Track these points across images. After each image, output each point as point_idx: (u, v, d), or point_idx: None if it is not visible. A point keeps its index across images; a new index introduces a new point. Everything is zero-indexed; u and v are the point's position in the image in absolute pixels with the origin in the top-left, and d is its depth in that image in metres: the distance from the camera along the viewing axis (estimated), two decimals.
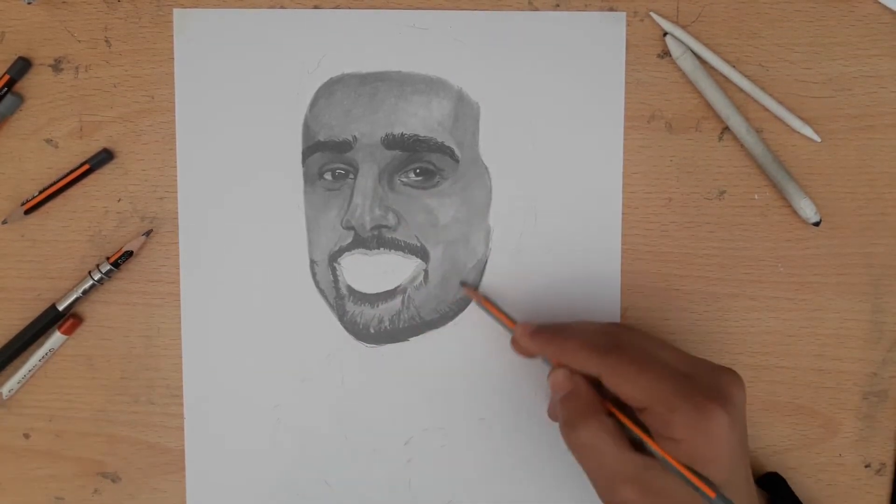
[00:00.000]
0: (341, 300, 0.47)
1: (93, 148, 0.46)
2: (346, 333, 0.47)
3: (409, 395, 0.47)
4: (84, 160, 0.46)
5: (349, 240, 0.46)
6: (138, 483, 0.48)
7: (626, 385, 0.37)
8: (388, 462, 0.47)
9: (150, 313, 0.47)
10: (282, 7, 0.46)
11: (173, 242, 0.47)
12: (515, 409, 0.47)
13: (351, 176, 0.46)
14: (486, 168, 0.46)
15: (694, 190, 0.46)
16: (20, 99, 0.46)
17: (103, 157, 0.46)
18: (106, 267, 0.46)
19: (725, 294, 0.46)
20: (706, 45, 0.45)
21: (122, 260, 0.46)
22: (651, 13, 0.45)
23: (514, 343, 0.43)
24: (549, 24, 0.46)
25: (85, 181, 0.46)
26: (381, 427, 0.47)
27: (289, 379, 0.47)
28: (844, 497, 0.47)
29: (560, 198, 0.46)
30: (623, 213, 0.46)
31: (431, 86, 0.46)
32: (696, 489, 0.36)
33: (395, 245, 0.46)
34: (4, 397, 0.47)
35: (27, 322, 0.47)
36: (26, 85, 0.46)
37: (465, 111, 0.46)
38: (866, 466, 0.47)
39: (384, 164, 0.46)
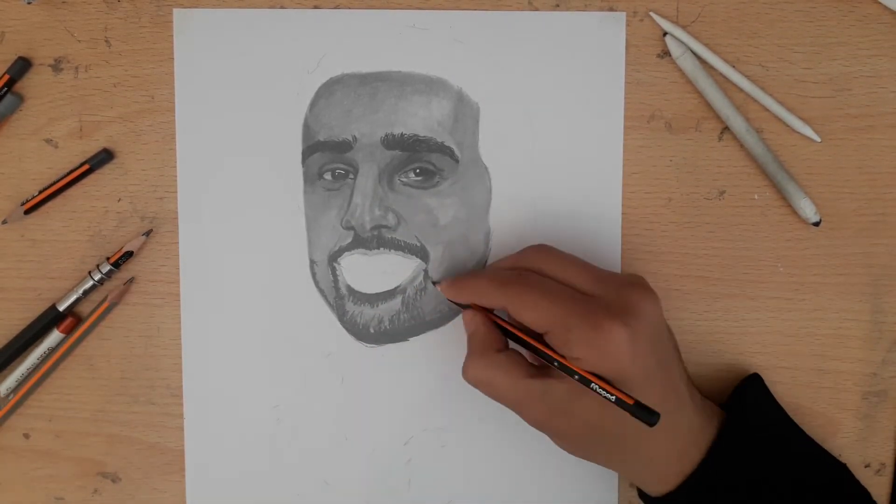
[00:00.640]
0: (341, 300, 0.47)
1: (93, 148, 0.46)
2: (346, 333, 0.47)
3: (409, 395, 0.47)
4: (84, 160, 0.46)
5: (349, 240, 0.46)
6: (138, 483, 0.48)
7: (526, 312, 0.39)
8: (388, 462, 0.47)
9: (150, 313, 0.47)
10: (282, 7, 0.46)
11: (173, 242, 0.47)
12: None
13: (351, 176, 0.46)
14: (486, 168, 0.46)
15: (694, 190, 0.46)
16: (20, 99, 0.46)
17: (103, 157, 0.46)
18: (106, 267, 0.46)
19: (725, 294, 0.46)
20: (706, 45, 0.45)
21: (122, 260, 0.46)
22: (651, 13, 0.45)
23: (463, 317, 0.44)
24: (549, 24, 0.46)
25: (85, 181, 0.46)
26: (381, 427, 0.47)
27: (289, 379, 0.47)
28: None
29: (560, 198, 0.46)
30: (623, 213, 0.46)
31: (431, 86, 0.46)
32: (617, 401, 0.37)
33: (394, 245, 0.46)
34: (3, 395, 0.47)
35: (27, 322, 0.47)
36: (26, 85, 0.46)
37: (465, 111, 0.46)
38: (866, 466, 0.47)
39: (384, 164, 0.46)
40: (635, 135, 0.46)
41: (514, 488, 0.47)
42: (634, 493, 0.47)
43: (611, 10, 0.46)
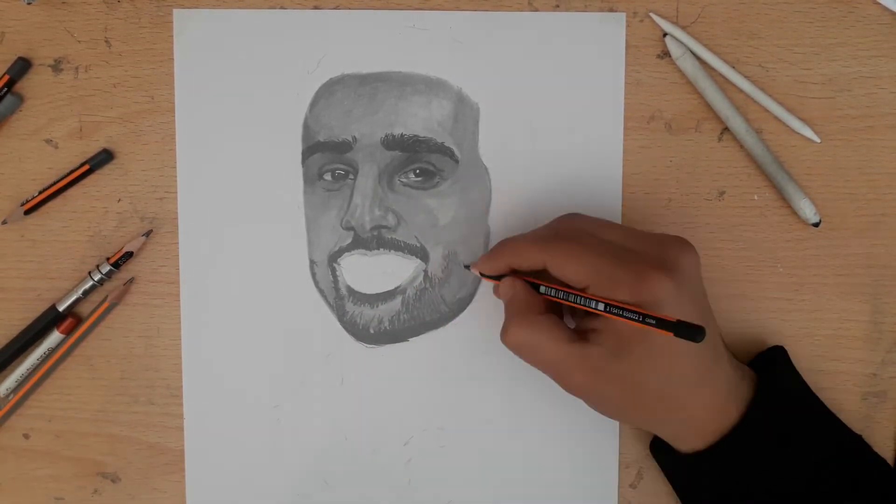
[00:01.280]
0: (341, 300, 0.47)
1: (93, 148, 0.46)
2: (345, 334, 0.47)
3: (409, 395, 0.47)
4: (84, 160, 0.46)
5: (349, 240, 0.46)
6: (138, 483, 0.48)
7: (568, 266, 0.39)
8: (388, 462, 0.47)
9: (150, 313, 0.47)
10: (282, 7, 0.46)
11: (173, 242, 0.47)
12: (515, 409, 0.47)
13: (351, 176, 0.46)
14: (486, 168, 0.46)
15: (694, 190, 0.46)
16: (20, 99, 0.46)
17: (103, 158, 0.46)
18: (106, 267, 0.46)
19: (725, 294, 0.46)
20: (706, 45, 0.45)
21: (122, 260, 0.46)
22: (651, 14, 0.45)
23: (495, 290, 0.44)
24: (548, 24, 0.46)
25: (85, 181, 0.46)
26: (381, 427, 0.47)
27: (288, 379, 0.47)
28: None
29: (560, 198, 0.46)
30: (623, 214, 0.46)
31: (431, 86, 0.46)
32: (659, 323, 0.36)
33: (394, 245, 0.46)
34: (2, 395, 0.47)
35: (27, 322, 0.47)
36: (26, 85, 0.46)
37: (464, 112, 0.46)
38: None
39: (384, 164, 0.46)
40: (635, 135, 0.46)
41: (514, 488, 0.47)
42: (634, 493, 0.47)
43: (611, 10, 0.46)
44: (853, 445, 0.43)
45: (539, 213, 0.46)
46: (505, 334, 0.40)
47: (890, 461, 0.47)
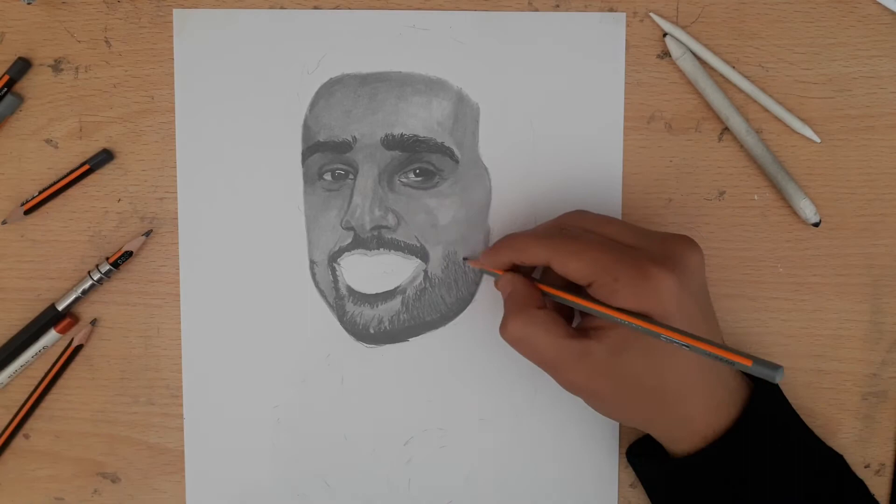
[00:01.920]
0: (341, 300, 0.47)
1: (93, 148, 0.46)
2: (345, 334, 0.47)
3: (409, 395, 0.47)
4: (84, 160, 0.46)
5: (349, 240, 0.46)
6: (138, 483, 0.48)
7: (571, 263, 0.38)
8: (388, 462, 0.47)
9: (150, 313, 0.47)
10: (282, 7, 0.46)
11: (173, 242, 0.47)
12: (515, 409, 0.47)
13: (351, 176, 0.46)
14: (486, 168, 0.46)
15: (694, 190, 0.46)
16: (20, 99, 0.46)
17: (103, 158, 0.46)
18: (105, 267, 0.46)
19: (725, 294, 0.46)
20: (706, 45, 0.45)
21: (121, 260, 0.46)
22: (651, 14, 0.45)
23: (496, 283, 0.44)
24: (549, 24, 0.46)
25: (85, 181, 0.46)
26: (381, 427, 0.47)
27: (288, 379, 0.47)
28: None
29: (560, 198, 0.46)
30: (623, 214, 0.46)
31: (431, 86, 0.46)
32: (653, 333, 0.35)
33: (394, 245, 0.46)
34: None
35: (27, 322, 0.47)
36: (26, 85, 0.46)
37: (464, 111, 0.46)
38: (866, 467, 0.47)
39: (384, 164, 0.46)
40: (635, 135, 0.46)
41: (514, 488, 0.47)
42: (634, 493, 0.47)
43: (611, 10, 0.46)
44: (835, 466, 0.43)
45: (539, 212, 0.46)
46: (503, 328, 0.40)
47: (890, 461, 0.47)
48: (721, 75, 0.45)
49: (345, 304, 0.47)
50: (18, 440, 0.48)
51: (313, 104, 0.46)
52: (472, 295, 0.47)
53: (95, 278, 0.46)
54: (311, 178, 0.46)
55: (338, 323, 0.47)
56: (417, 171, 0.46)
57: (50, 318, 0.46)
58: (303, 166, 0.46)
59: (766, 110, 0.46)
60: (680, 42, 0.45)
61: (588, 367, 0.39)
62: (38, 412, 0.47)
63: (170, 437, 0.48)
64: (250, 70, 0.46)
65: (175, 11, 0.46)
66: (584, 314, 0.40)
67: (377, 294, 0.46)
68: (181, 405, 0.47)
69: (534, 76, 0.46)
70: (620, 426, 0.47)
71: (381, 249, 0.46)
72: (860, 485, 0.43)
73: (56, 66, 0.46)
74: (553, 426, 0.47)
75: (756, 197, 0.46)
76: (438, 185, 0.46)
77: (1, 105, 0.46)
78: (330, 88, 0.46)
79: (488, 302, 0.47)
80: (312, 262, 0.47)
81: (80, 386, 0.47)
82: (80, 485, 0.48)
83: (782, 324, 0.46)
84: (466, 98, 0.46)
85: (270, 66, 0.46)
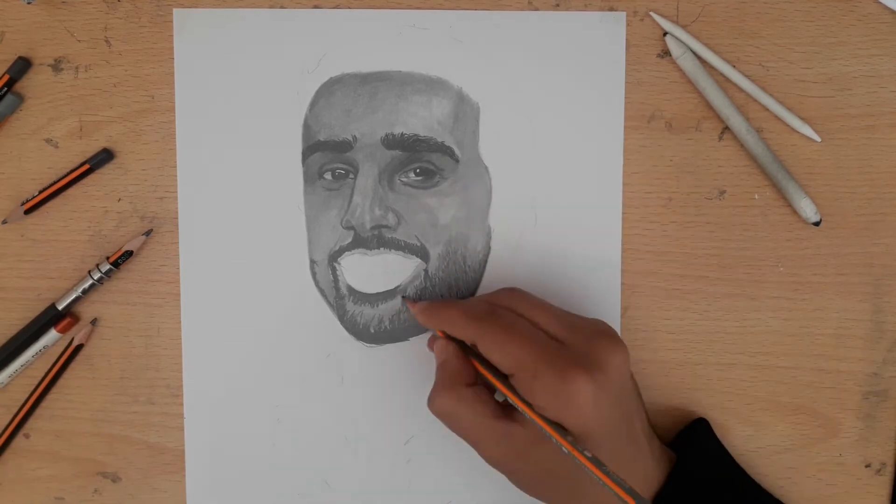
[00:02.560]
0: (341, 300, 0.47)
1: (93, 148, 0.46)
2: (346, 333, 0.47)
3: (409, 395, 0.47)
4: (84, 160, 0.46)
5: (349, 240, 0.46)
6: (138, 483, 0.48)
7: (495, 352, 0.39)
8: (388, 462, 0.47)
9: (150, 313, 0.47)
10: (282, 7, 0.46)
11: (173, 242, 0.47)
12: None
13: (351, 176, 0.46)
14: (486, 168, 0.46)
15: (694, 190, 0.46)
16: (20, 99, 0.46)
17: (103, 157, 0.46)
18: (106, 267, 0.46)
19: (725, 294, 0.46)
20: (706, 44, 0.45)
21: (121, 260, 0.46)
22: (651, 13, 0.45)
23: (430, 343, 0.44)
24: (549, 24, 0.46)
25: (85, 181, 0.46)
26: (381, 427, 0.47)
27: (289, 379, 0.47)
28: (844, 497, 0.47)
29: (560, 198, 0.46)
30: (623, 213, 0.46)
31: (431, 86, 0.46)
32: (558, 444, 0.37)
33: (395, 245, 0.46)
34: None
35: (27, 322, 0.47)
36: (26, 85, 0.46)
37: (465, 111, 0.46)
38: (866, 466, 0.47)
39: (384, 163, 0.46)
40: (635, 135, 0.46)
41: (514, 489, 0.47)
42: None
43: (611, 9, 0.46)
44: None
45: (539, 212, 0.46)
46: (431, 401, 0.41)
47: (891, 460, 0.47)
48: (721, 74, 0.45)
49: (345, 304, 0.47)
50: (18, 440, 0.48)
51: (313, 103, 0.46)
52: (472, 294, 0.47)
53: (96, 278, 0.46)
54: (312, 177, 0.46)
55: (338, 322, 0.47)
56: (418, 170, 0.46)
57: (50, 318, 0.46)
58: (303, 166, 0.46)
59: (767, 109, 0.46)
60: (680, 41, 0.45)
61: (508, 449, 0.39)
62: (38, 412, 0.47)
63: (170, 436, 0.47)
64: (250, 69, 0.46)
65: (175, 11, 0.46)
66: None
67: (377, 293, 0.46)
68: (181, 405, 0.47)
69: (534, 75, 0.46)
70: None
71: (382, 249, 0.46)
72: None
73: (56, 66, 0.46)
74: None
75: (756, 196, 0.46)
76: (439, 185, 0.46)
77: (1, 105, 0.46)
78: (330, 88, 0.46)
79: None
80: (313, 262, 0.47)
81: (80, 386, 0.47)
82: (80, 484, 0.48)
83: (783, 323, 0.46)
84: (467, 97, 0.46)
85: (270, 65, 0.46)
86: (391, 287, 0.46)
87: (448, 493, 0.47)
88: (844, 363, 0.46)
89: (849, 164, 0.46)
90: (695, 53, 0.45)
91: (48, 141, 0.47)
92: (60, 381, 0.47)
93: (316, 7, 0.46)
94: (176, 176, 0.47)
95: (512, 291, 0.42)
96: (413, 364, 0.47)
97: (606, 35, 0.46)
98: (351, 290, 0.46)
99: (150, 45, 0.46)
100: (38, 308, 0.47)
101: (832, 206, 0.46)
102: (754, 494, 0.44)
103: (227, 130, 0.46)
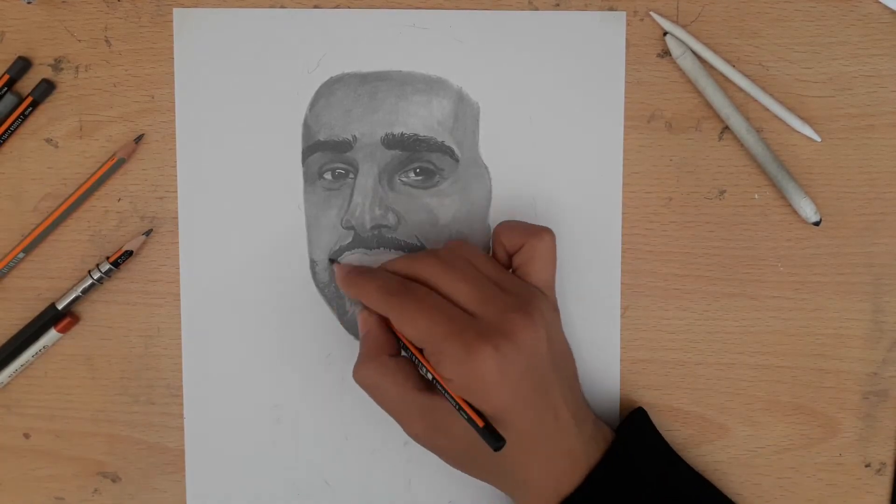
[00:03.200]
0: (341, 300, 0.47)
1: (93, 147, 0.46)
2: (346, 333, 0.47)
3: None
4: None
5: (349, 239, 0.46)
6: (138, 483, 0.48)
7: (405, 326, 0.39)
8: (388, 462, 0.47)
9: (150, 313, 0.47)
10: (282, 7, 0.46)
11: (173, 242, 0.47)
12: None
13: (351, 175, 0.46)
14: (486, 168, 0.46)
15: (694, 190, 0.46)
16: (20, 98, 0.46)
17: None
18: (106, 266, 0.46)
19: (725, 294, 0.46)
20: (706, 44, 0.45)
21: (122, 260, 0.46)
22: (651, 13, 0.45)
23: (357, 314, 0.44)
24: (549, 24, 0.46)
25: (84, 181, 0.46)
26: (381, 427, 0.47)
27: (289, 379, 0.47)
28: (844, 497, 0.47)
29: (560, 198, 0.46)
30: (623, 213, 0.46)
31: (431, 86, 0.46)
32: (468, 419, 0.38)
33: (395, 245, 0.46)
34: None
35: (27, 322, 0.47)
36: (26, 85, 0.46)
37: (465, 111, 0.46)
38: (866, 466, 0.47)
39: (384, 163, 0.46)
40: (635, 135, 0.46)
41: None
42: None
43: (611, 9, 0.46)
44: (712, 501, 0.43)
45: (539, 212, 0.46)
46: (356, 371, 0.41)
47: (891, 460, 0.47)
48: (721, 74, 0.45)
49: (345, 304, 0.47)
50: (18, 440, 0.48)
51: (313, 103, 0.46)
52: None
53: (96, 278, 0.46)
54: (312, 177, 0.46)
55: (338, 322, 0.47)
56: (418, 170, 0.46)
57: (50, 318, 0.46)
58: (303, 165, 0.46)
59: (767, 109, 0.46)
60: (680, 41, 0.45)
61: (430, 423, 0.40)
62: (38, 411, 0.47)
63: (170, 436, 0.47)
64: (250, 69, 0.46)
65: (175, 10, 0.46)
66: None
67: None
68: (181, 405, 0.47)
69: (534, 75, 0.46)
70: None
71: (382, 248, 0.46)
72: None
73: (56, 66, 0.46)
74: None
75: (756, 196, 0.46)
76: (439, 185, 0.46)
77: (1, 105, 0.46)
78: (330, 87, 0.46)
79: None
80: (313, 262, 0.47)
81: (80, 385, 0.47)
82: (80, 484, 0.48)
83: (783, 323, 0.46)
84: (467, 97, 0.46)
85: (271, 65, 0.46)
86: None
87: (448, 493, 0.47)
88: (844, 363, 0.46)
89: (849, 164, 0.46)
90: (695, 53, 0.45)
91: (48, 141, 0.47)
92: (61, 381, 0.47)
93: (316, 7, 0.46)
94: (176, 176, 0.47)
95: (431, 258, 0.41)
96: None
97: (606, 35, 0.46)
98: None
99: (150, 44, 0.46)
100: (38, 307, 0.47)
101: (832, 205, 0.46)
102: (693, 480, 0.43)
103: (227, 130, 0.46)
